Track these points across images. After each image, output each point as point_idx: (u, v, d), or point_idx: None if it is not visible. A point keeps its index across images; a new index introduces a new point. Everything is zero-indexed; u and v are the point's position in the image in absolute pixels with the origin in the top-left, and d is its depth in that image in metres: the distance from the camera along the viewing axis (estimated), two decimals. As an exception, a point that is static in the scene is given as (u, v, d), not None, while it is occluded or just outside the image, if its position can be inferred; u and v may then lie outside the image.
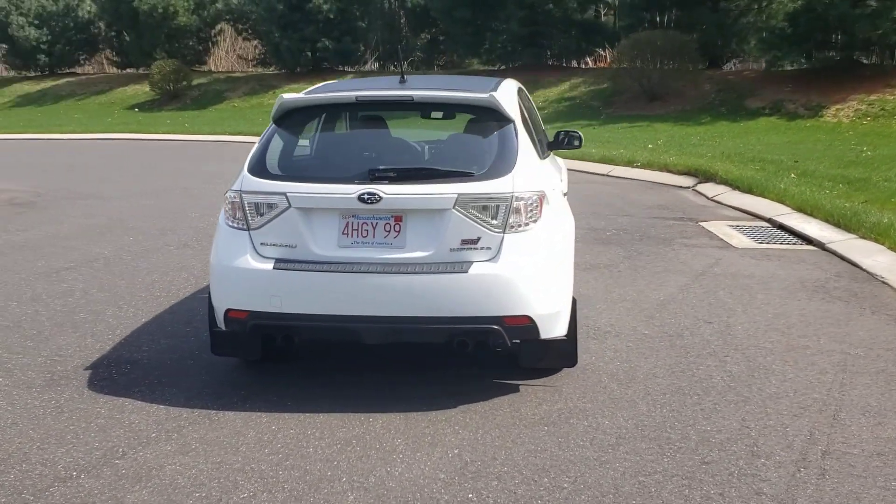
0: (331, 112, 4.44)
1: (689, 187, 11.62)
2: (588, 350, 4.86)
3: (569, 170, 13.63)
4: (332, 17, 29.44)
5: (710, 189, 11.18)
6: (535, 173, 4.12)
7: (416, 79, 4.87)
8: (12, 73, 41.45)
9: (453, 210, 3.87)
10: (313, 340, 4.70)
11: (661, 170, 12.89)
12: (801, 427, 3.80)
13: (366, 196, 3.87)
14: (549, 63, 27.58)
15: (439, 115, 4.61)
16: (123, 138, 21.85)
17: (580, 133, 6.34)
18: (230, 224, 4.13)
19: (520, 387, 4.31)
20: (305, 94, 4.42)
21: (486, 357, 4.53)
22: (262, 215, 4.02)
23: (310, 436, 3.74)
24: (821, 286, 6.23)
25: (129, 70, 37.65)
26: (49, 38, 38.27)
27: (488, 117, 4.23)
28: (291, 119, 4.34)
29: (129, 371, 4.60)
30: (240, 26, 35.85)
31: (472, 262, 3.89)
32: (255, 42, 35.13)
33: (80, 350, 4.93)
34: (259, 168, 4.12)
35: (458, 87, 4.49)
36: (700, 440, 3.68)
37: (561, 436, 3.73)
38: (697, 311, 5.63)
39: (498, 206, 3.90)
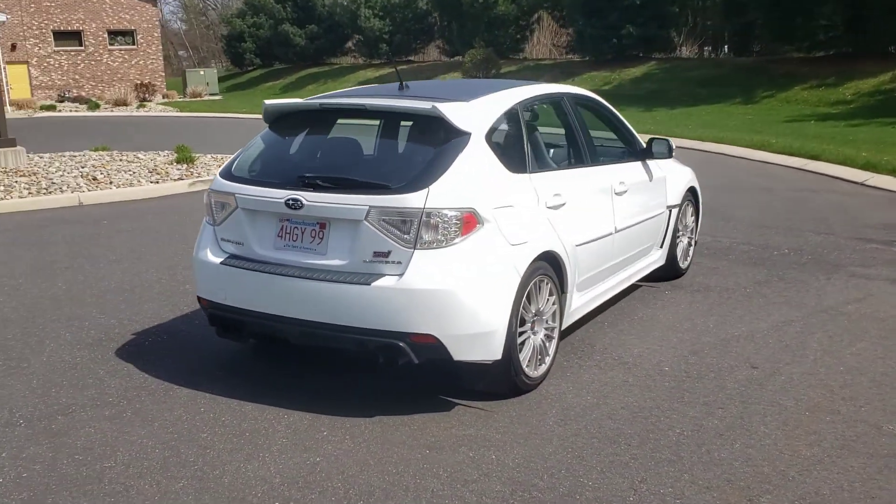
0: (303, 119, 4.61)
1: (949, 205, 9.85)
2: (575, 380, 4.55)
3: (825, 175, 12.29)
4: (638, 2, 28.80)
5: (970, 208, 9.40)
6: (467, 189, 3.94)
7: (417, 85, 4.86)
8: (360, 61, 46.34)
9: (365, 222, 3.89)
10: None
11: (927, 181, 11.04)
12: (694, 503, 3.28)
13: (290, 201, 4.04)
14: (880, 51, 24.43)
15: (396, 123, 4.54)
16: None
17: (669, 141, 5.83)
18: (206, 220, 4.53)
19: (456, 406, 4.20)
20: (305, 101, 4.65)
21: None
22: (221, 214, 4.37)
23: (217, 422, 4.03)
24: (962, 341, 5.10)
25: (456, 58, 40.12)
26: (391, 28, 42.15)
27: (438, 128, 4.13)
28: (276, 124, 4.61)
29: (162, 341, 5.23)
30: (556, 13, 36.52)
31: (382, 275, 3.88)
32: (570, 29, 35.55)
33: (150, 317, 5.70)
34: (227, 170, 4.46)
35: (429, 95, 4.42)
36: (564, 494, 3.35)
37: (432, 463, 3.61)
38: (759, 353, 4.94)
39: (410, 221, 3.84)
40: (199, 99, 40.73)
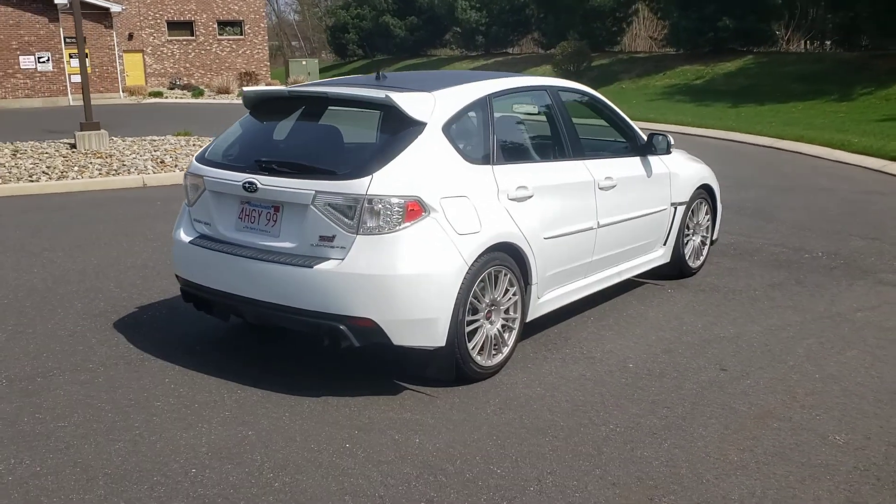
0: (276, 106, 4.77)
1: None
2: (534, 371, 4.58)
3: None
4: (736, -6, 27.87)
5: None
6: (414, 178, 4.01)
7: (395, 76, 4.96)
8: (455, 53, 46.59)
9: (311, 206, 4.03)
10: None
11: None
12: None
13: (247, 184, 4.22)
14: None
15: (355, 110, 4.61)
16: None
17: (667, 136, 5.77)
18: (185, 202, 4.78)
19: (405, 390, 4.30)
20: (276, 88, 4.80)
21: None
22: (194, 195, 4.60)
23: (174, 393, 4.27)
24: (962, 354, 4.85)
25: (551, 50, 39.82)
26: (487, 20, 42.14)
27: (392, 117, 4.23)
28: (254, 111, 4.79)
29: (160, 315, 5.54)
30: (654, 5, 35.74)
31: (327, 259, 4.02)
32: (666, 22, 34.74)
33: (158, 293, 6.03)
34: (202, 153, 4.69)
35: (396, 86, 4.51)
36: (468, 480, 3.41)
37: (356, 443, 3.73)
38: (737, 356, 4.84)
39: (353, 207, 3.95)
40: (298, 88, 41.84)
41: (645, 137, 5.86)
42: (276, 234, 4.22)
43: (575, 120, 5.78)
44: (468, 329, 4.27)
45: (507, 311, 4.53)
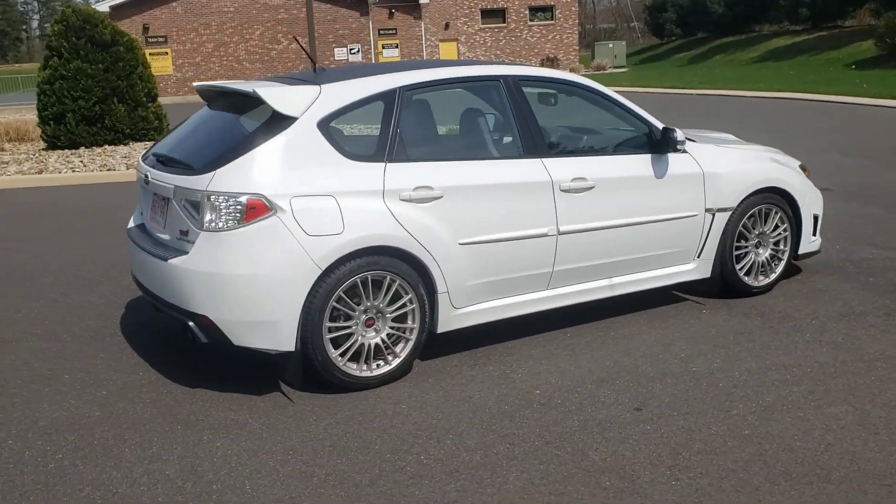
0: (212, 100, 4.82)
1: None
2: (427, 388, 4.27)
3: None
4: None
5: None
6: (260, 175, 3.89)
7: (333, 69, 4.80)
8: (775, 27, 42.80)
9: (173, 200, 4.13)
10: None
11: None
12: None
13: (144, 177, 4.44)
14: None
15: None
16: (780, 97, 21.47)
17: (676, 131, 4.96)
18: (143, 193, 5.12)
19: (273, 392, 4.25)
20: (206, 83, 4.86)
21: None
22: (137, 186, 4.91)
23: (97, 370, 4.61)
24: None
25: (886, 22, 35.01)
26: (813, -10, 38.20)
27: (262, 112, 4.13)
28: (208, 104, 4.93)
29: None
30: None
31: (182, 254, 4.07)
32: None
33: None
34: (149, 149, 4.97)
35: (300, 79, 4.40)
36: (212, 491, 3.30)
37: (162, 436, 3.76)
38: (675, 396, 4.09)
39: (197, 203, 3.97)
40: (601, 72, 41.39)
41: (659, 132, 5.06)
42: (163, 225, 4.37)
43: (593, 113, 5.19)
44: (334, 335, 4.09)
45: (398, 321, 4.25)
